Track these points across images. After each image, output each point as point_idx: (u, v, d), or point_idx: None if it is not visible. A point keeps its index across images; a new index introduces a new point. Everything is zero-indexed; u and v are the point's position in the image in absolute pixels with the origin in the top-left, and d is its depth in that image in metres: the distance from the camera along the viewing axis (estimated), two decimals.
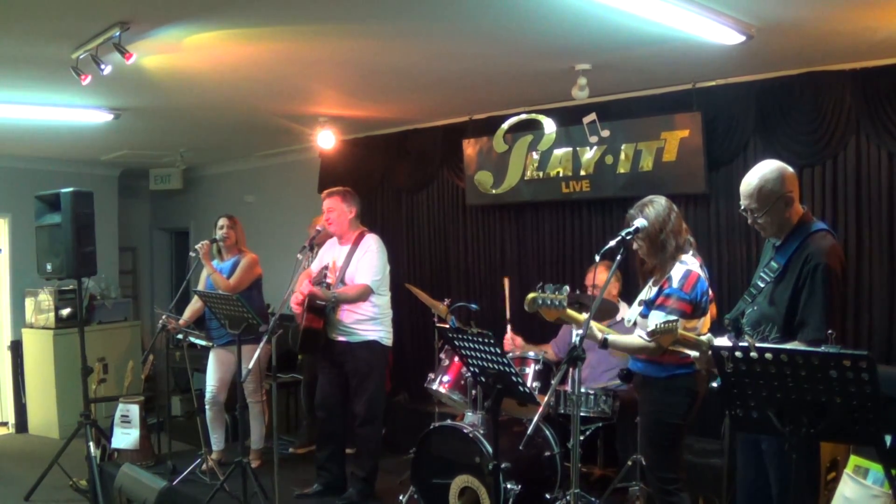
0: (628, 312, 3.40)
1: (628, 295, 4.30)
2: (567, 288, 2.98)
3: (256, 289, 5.22)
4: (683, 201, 4.53)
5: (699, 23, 3.39)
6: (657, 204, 3.19)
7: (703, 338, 2.70)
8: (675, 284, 3.10)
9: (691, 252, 3.22)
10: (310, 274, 4.57)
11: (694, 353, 2.76)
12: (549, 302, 2.98)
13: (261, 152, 7.60)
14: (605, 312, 4.00)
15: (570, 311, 3.04)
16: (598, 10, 3.26)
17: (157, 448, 5.48)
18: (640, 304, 3.27)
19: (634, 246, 3.24)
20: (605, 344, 3.12)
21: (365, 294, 4.39)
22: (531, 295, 3.02)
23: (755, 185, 2.77)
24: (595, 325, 3.10)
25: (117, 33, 3.36)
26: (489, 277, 5.89)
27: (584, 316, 3.04)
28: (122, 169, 8.29)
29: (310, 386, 5.51)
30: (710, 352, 2.56)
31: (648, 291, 3.25)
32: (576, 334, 2.93)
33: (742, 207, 2.84)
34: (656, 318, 3.07)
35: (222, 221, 5.20)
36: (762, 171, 2.79)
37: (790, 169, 2.82)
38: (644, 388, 3.27)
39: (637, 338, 3.16)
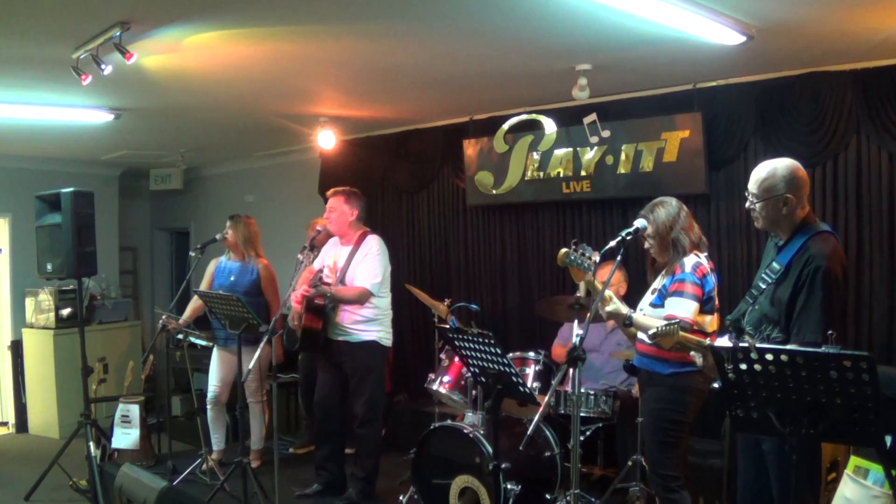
0: (641, 301, 3.41)
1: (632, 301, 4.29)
2: (598, 255, 3.06)
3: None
4: (684, 202, 4.47)
5: (699, 23, 3.38)
6: (667, 204, 3.27)
7: (705, 341, 2.70)
8: (687, 270, 3.16)
9: (706, 254, 3.27)
10: (312, 272, 4.56)
11: (699, 360, 2.76)
12: (579, 262, 3.04)
13: (261, 152, 7.59)
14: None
15: (596, 283, 3.08)
16: (598, 10, 3.26)
17: (157, 448, 5.49)
18: (652, 293, 3.30)
19: (646, 245, 3.28)
20: (629, 321, 3.13)
21: (363, 297, 4.37)
22: (564, 250, 3.08)
23: (763, 175, 2.80)
24: (619, 303, 3.13)
25: (118, 33, 3.36)
26: (489, 278, 5.89)
27: (608, 292, 3.06)
28: (122, 169, 8.29)
29: (306, 386, 5.50)
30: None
31: (661, 280, 3.27)
32: (576, 334, 2.93)
33: (747, 191, 2.87)
34: (674, 304, 3.11)
35: (228, 222, 5.22)
36: (776, 164, 2.80)
37: (802, 173, 2.81)
38: (649, 385, 3.28)
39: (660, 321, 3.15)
